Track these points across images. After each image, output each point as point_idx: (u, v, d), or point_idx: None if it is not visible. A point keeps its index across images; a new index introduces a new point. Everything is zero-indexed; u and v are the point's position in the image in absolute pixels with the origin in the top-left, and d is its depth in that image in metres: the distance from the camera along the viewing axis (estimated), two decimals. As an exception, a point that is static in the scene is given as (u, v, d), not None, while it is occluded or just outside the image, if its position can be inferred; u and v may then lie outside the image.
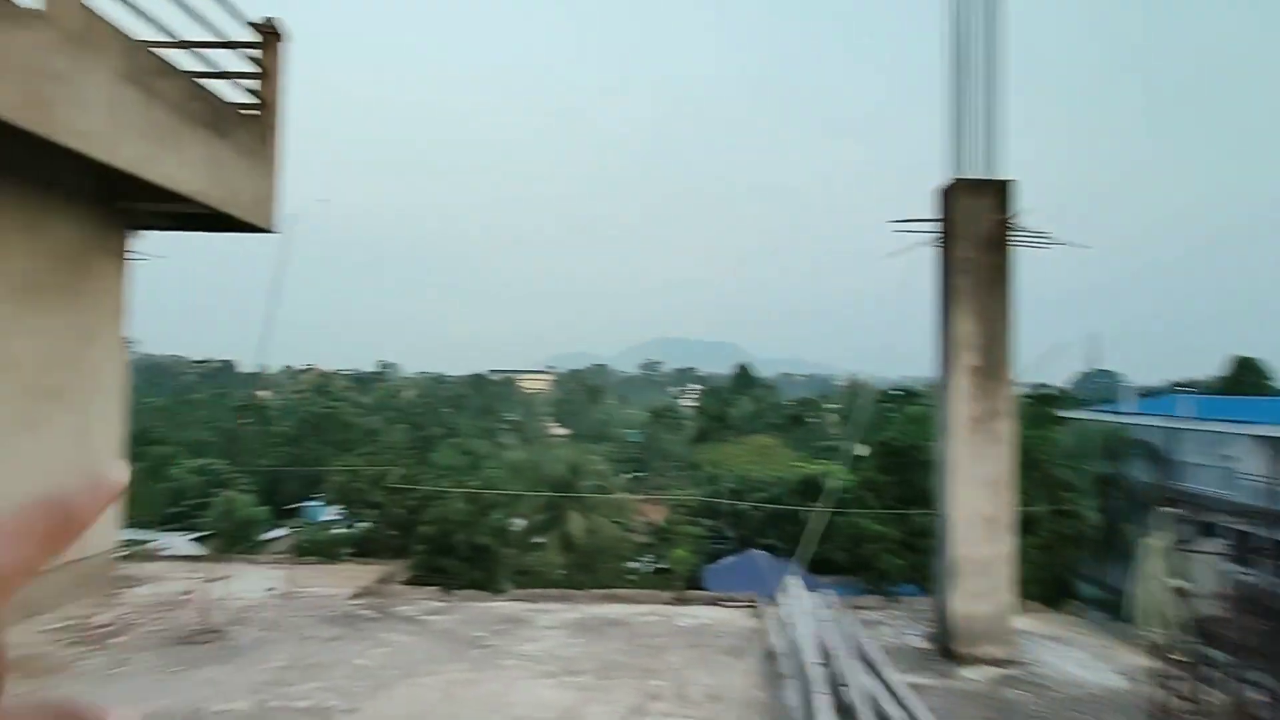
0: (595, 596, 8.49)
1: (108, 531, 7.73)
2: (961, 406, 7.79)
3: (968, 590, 7.52)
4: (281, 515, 60.52)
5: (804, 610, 7.20)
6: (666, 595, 8.53)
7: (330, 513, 38.74)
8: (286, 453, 73.91)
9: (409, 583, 9.91)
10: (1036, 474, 31.41)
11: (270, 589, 8.31)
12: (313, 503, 52.68)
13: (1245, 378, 63.35)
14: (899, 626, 8.39)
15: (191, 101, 6.73)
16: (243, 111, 7.60)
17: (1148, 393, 52.05)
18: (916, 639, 7.94)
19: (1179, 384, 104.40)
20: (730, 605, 8.56)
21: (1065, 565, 33.13)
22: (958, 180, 7.97)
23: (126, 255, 7.76)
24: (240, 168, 7.41)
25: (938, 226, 8.01)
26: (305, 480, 64.42)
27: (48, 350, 6.89)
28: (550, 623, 7.87)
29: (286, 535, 51.89)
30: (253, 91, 7.84)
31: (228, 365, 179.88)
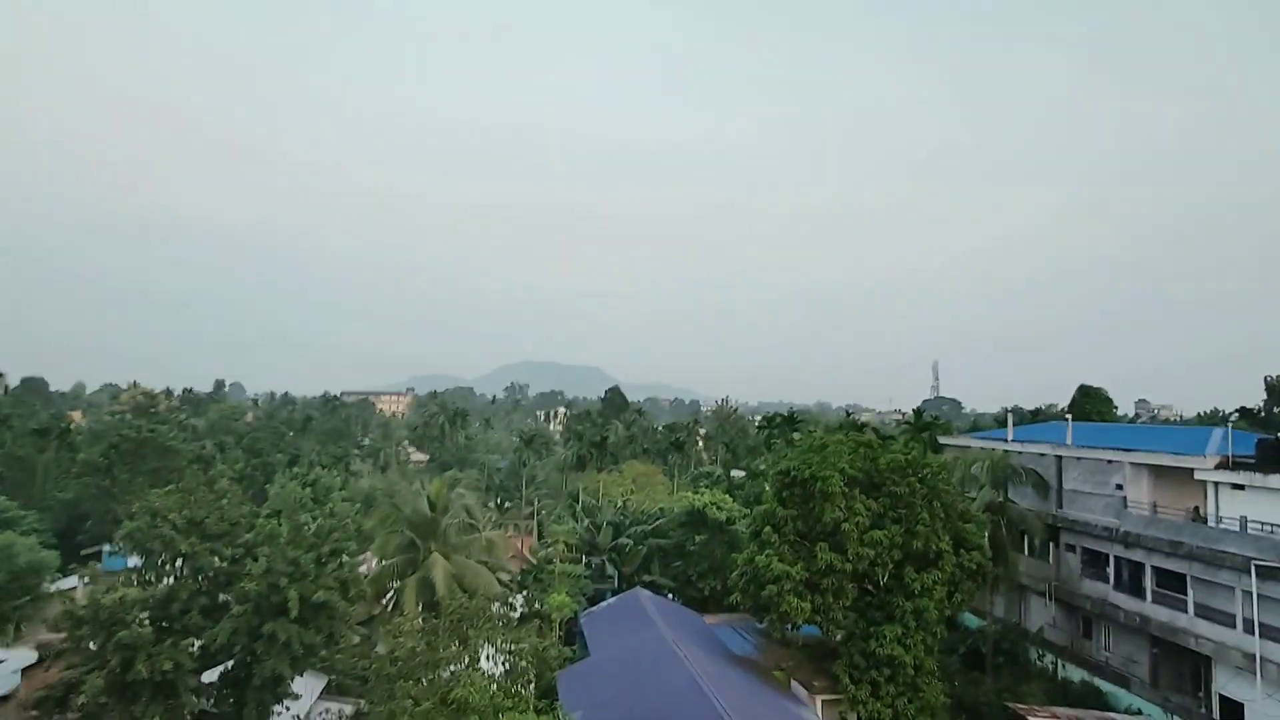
0: None
1: None
2: None
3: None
4: (77, 559, 51.16)
5: None
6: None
7: (133, 561, 31.60)
8: (92, 485, 63.16)
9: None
10: (937, 505, 29.64)
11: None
12: (112, 548, 44.25)
13: (1089, 406, 65.94)
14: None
15: None
16: None
17: (1002, 420, 52.79)
18: None
19: (1035, 411, 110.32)
20: None
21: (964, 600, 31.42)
22: None
23: None
24: None
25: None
26: (111, 520, 54.89)
27: None
28: None
29: (76, 588, 43.45)
30: None
31: (36, 382, 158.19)
